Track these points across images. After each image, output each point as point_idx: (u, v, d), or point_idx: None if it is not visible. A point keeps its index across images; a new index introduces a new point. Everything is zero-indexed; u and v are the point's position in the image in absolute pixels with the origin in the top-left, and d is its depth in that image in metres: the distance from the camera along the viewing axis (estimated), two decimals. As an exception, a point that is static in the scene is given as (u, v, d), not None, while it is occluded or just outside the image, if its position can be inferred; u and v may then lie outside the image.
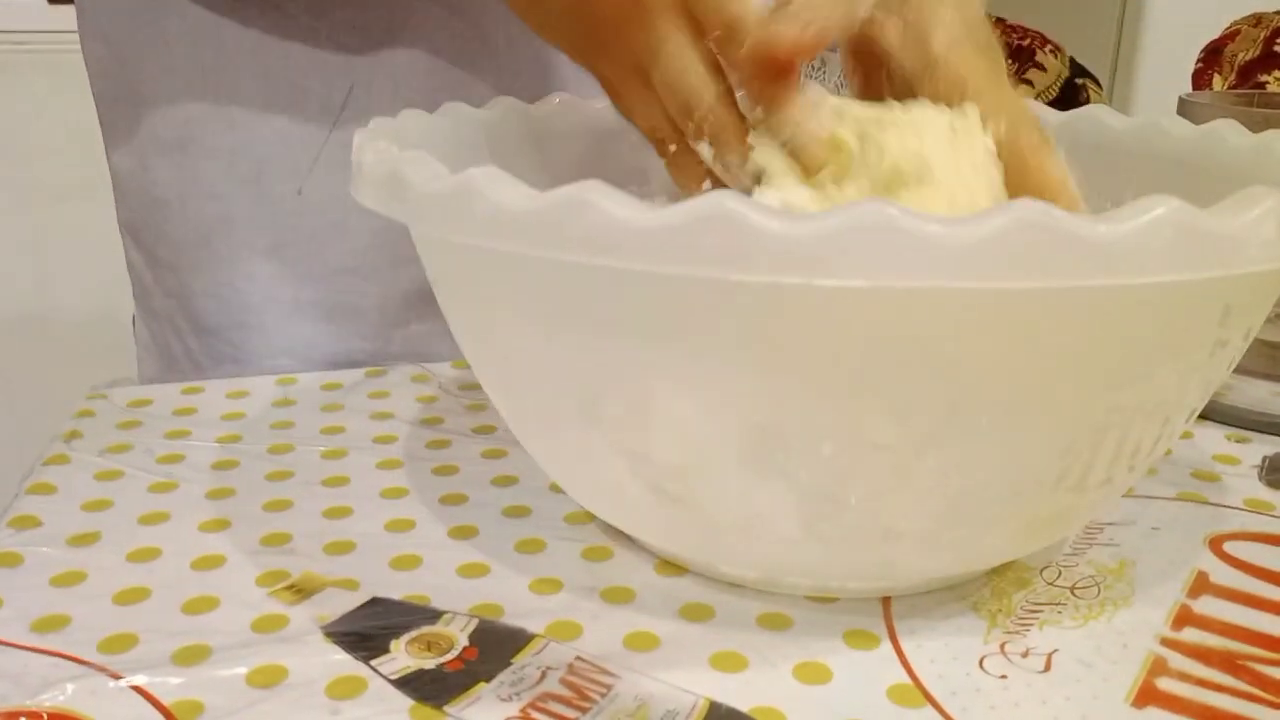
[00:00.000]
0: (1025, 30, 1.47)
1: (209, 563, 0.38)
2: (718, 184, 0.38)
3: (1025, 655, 0.33)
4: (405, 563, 0.38)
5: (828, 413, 0.30)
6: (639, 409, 0.31)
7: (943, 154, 0.34)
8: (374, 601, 0.36)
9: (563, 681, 0.32)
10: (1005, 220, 0.25)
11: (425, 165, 0.30)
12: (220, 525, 0.40)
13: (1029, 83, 1.44)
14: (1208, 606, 0.36)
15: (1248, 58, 1.38)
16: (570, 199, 0.27)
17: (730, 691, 0.32)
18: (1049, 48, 1.47)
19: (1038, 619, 0.35)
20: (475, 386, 0.52)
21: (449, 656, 0.33)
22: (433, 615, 0.35)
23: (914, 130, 0.35)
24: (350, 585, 0.37)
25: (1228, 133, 0.41)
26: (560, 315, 0.31)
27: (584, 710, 0.31)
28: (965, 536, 0.33)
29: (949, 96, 0.36)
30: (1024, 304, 0.28)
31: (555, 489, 0.42)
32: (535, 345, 0.32)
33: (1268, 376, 0.50)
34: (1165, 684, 0.32)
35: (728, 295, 0.27)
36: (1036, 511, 0.33)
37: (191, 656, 0.33)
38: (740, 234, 0.25)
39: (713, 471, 0.32)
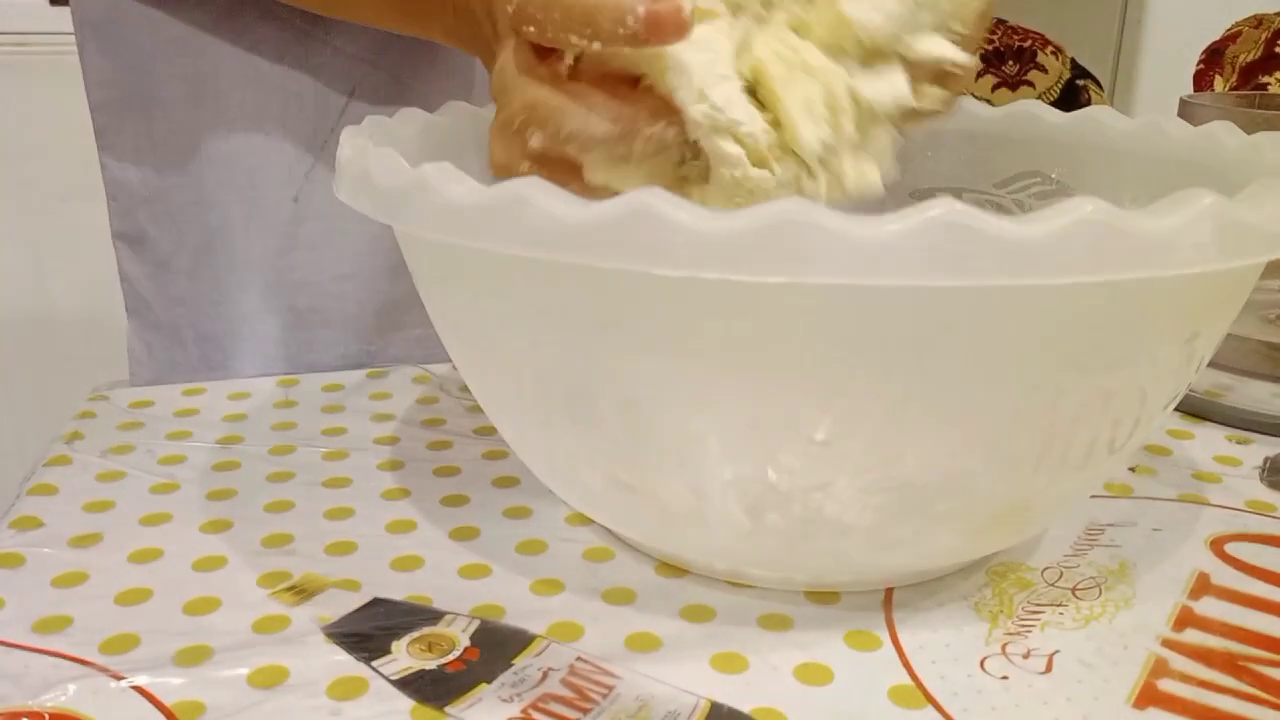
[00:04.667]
0: (1026, 31, 1.47)
1: (210, 563, 0.38)
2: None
3: (1026, 656, 0.33)
4: (406, 563, 0.38)
5: (764, 407, 0.30)
6: (585, 400, 0.32)
7: None
8: (375, 602, 0.36)
9: (564, 682, 0.32)
10: (922, 220, 0.26)
11: (390, 161, 0.32)
12: (221, 526, 0.40)
13: (1030, 84, 1.44)
14: (1209, 608, 0.36)
15: (1249, 59, 1.38)
16: (512, 195, 0.28)
17: (731, 692, 0.32)
18: (1050, 49, 1.46)
19: (1039, 620, 0.35)
20: (476, 387, 0.52)
21: (450, 657, 0.33)
22: (434, 616, 0.35)
23: None
24: (351, 586, 0.37)
25: (1223, 134, 0.41)
26: (512, 307, 0.32)
27: (585, 711, 0.31)
28: (913, 532, 0.33)
29: None
30: (938, 302, 0.28)
31: (556, 490, 0.43)
32: (491, 335, 0.34)
33: (1268, 377, 0.50)
34: (1166, 685, 0.32)
35: (658, 289, 0.28)
36: (987, 508, 0.33)
37: (193, 657, 0.33)
38: (662, 230, 0.26)
39: (658, 461, 0.32)
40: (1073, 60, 1.49)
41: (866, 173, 0.33)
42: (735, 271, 0.26)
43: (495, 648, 0.33)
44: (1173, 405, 0.35)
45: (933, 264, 0.26)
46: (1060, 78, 1.47)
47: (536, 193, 0.28)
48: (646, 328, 0.30)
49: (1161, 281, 0.28)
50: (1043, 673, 0.33)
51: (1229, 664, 0.33)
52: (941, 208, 0.26)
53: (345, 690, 0.31)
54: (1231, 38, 1.41)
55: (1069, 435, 0.32)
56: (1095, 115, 0.45)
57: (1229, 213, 0.27)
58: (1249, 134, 0.40)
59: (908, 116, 0.34)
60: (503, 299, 0.32)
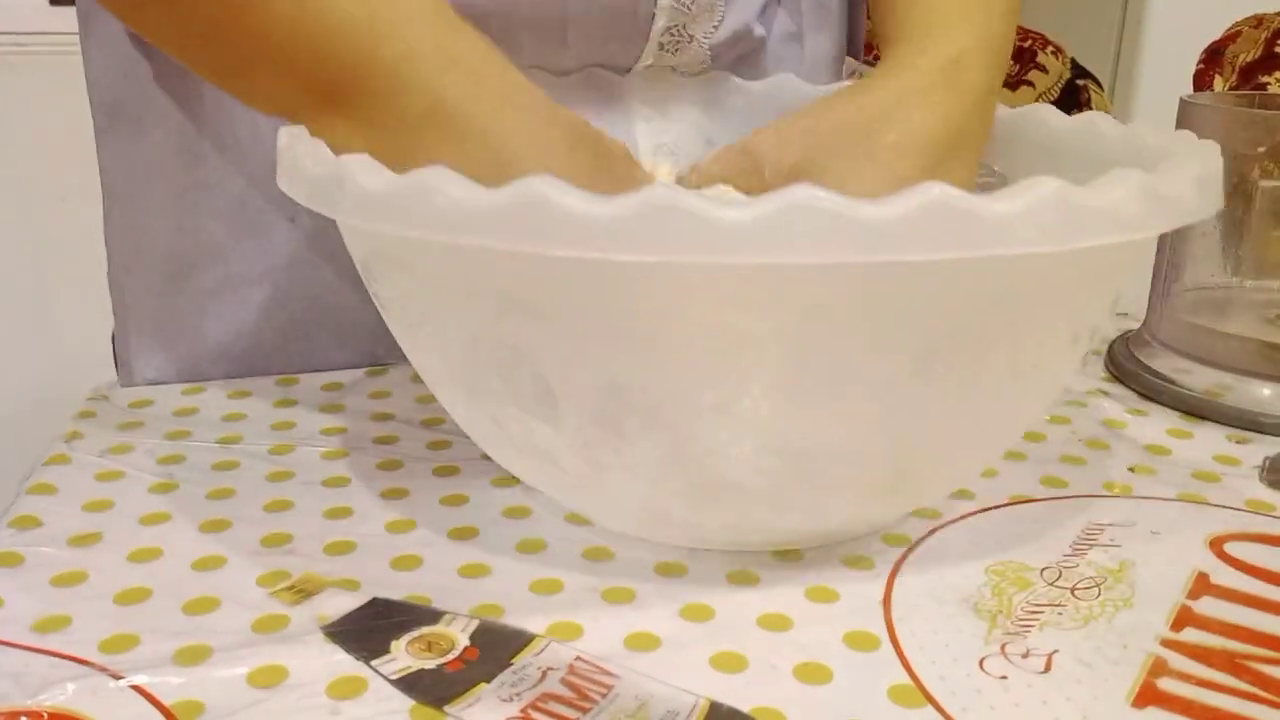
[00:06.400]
0: (1026, 31, 1.47)
1: (210, 563, 0.38)
2: None
3: (1025, 656, 0.33)
4: (406, 563, 0.38)
5: (662, 378, 0.32)
6: (501, 370, 0.34)
7: None
8: (374, 602, 0.36)
9: (563, 682, 0.32)
10: (780, 202, 0.27)
11: (315, 149, 0.34)
12: (221, 526, 0.40)
13: (1030, 84, 1.44)
14: (1208, 607, 0.36)
15: (1249, 59, 1.38)
16: (418, 183, 0.30)
17: (731, 692, 0.32)
18: (1050, 49, 1.46)
19: (1038, 620, 0.35)
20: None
21: (449, 657, 0.33)
22: (433, 615, 0.35)
23: None
24: (351, 585, 0.37)
25: (1102, 123, 0.43)
26: (428, 288, 0.34)
27: (584, 711, 0.31)
28: (805, 497, 0.36)
29: None
30: (803, 280, 0.30)
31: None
32: (414, 316, 0.36)
33: (1268, 377, 0.50)
34: (1166, 684, 0.32)
35: (556, 267, 0.30)
36: (874, 477, 0.35)
37: (192, 656, 0.33)
38: (552, 214, 0.28)
39: (567, 431, 0.34)
40: (1073, 60, 1.49)
41: None
42: (615, 252, 0.28)
43: (494, 647, 0.33)
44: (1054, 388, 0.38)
45: (793, 243, 0.28)
46: (1060, 78, 1.47)
47: (443, 181, 0.29)
48: (549, 304, 0.32)
49: (1001, 260, 0.30)
50: (1042, 672, 0.33)
51: (1228, 663, 0.33)
52: (802, 192, 0.27)
53: (344, 690, 0.32)
54: (1231, 37, 1.41)
55: (940, 410, 0.34)
56: (1037, 112, 0.47)
57: (1068, 197, 0.29)
58: (1249, 134, 0.40)
59: None
60: (420, 279, 0.35)
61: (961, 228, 0.28)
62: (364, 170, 0.31)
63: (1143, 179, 0.30)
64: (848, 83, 0.52)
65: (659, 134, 0.54)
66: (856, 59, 0.63)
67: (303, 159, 0.35)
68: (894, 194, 0.28)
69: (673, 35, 0.53)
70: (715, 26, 0.54)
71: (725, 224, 0.27)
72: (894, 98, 0.44)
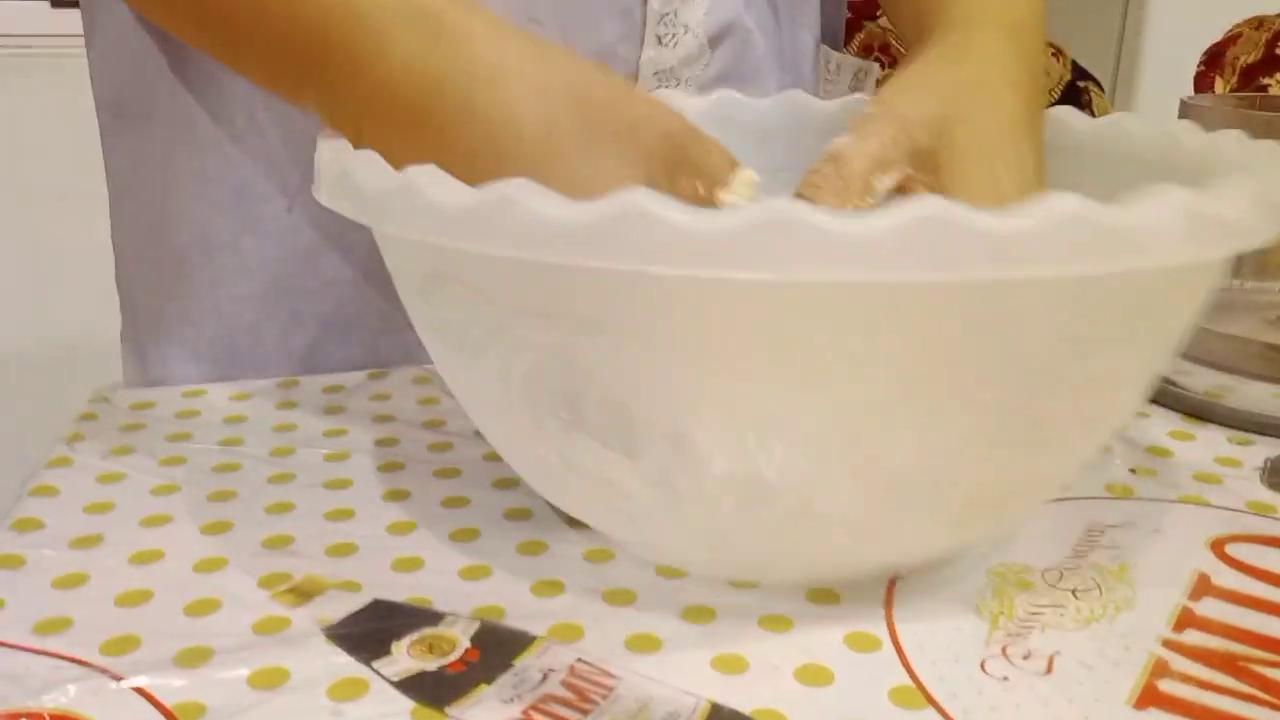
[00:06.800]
0: (1027, 33, 1.47)
1: (211, 565, 0.38)
2: None
3: (1027, 657, 0.33)
4: (407, 565, 0.38)
5: (750, 403, 0.30)
6: (573, 399, 0.32)
7: None
8: (376, 603, 0.36)
9: (564, 683, 0.32)
10: (906, 215, 0.26)
11: (372, 164, 0.32)
12: (222, 528, 0.40)
13: (1030, 86, 1.44)
14: (1209, 609, 0.36)
15: (1249, 61, 1.38)
16: (500, 196, 0.28)
17: (732, 693, 0.32)
18: (1050, 50, 1.47)
19: (1039, 621, 0.35)
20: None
21: (451, 658, 0.33)
22: (434, 617, 0.35)
23: None
24: (352, 587, 0.37)
25: (1183, 134, 0.42)
26: (499, 309, 0.32)
27: (585, 712, 0.31)
28: (894, 524, 0.34)
29: None
30: (923, 297, 0.28)
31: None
32: (477, 338, 0.33)
33: (1269, 379, 0.50)
34: (1167, 686, 0.32)
35: (646, 288, 0.28)
36: (968, 499, 0.34)
37: (193, 658, 0.33)
38: (655, 229, 0.26)
39: (641, 460, 0.32)
40: (1073, 62, 1.49)
41: None
42: (728, 269, 0.26)
43: (496, 649, 0.33)
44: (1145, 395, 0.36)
45: (917, 259, 0.26)
46: (1061, 80, 1.47)
47: (524, 194, 0.28)
48: (634, 328, 0.30)
49: (1135, 274, 0.29)
50: (1043, 674, 0.33)
51: (1229, 665, 0.33)
52: (927, 203, 0.26)
53: (346, 691, 0.32)
54: (1232, 39, 1.41)
55: (1046, 425, 0.32)
56: (1061, 115, 0.46)
57: (1199, 206, 0.28)
58: (1250, 135, 0.40)
59: None
60: (490, 301, 0.32)
61: (1096, 240, 0.27)
62: (433, 183, 0.29)
63: (1257, 187, 0.30)
64: (860, 97, 0.52)
65: None
66: (836, 49, 0.64)
67: (357, 171, 0.32)
68: (1025, 204, 0.26)
69: (667, 25, 0.53)
70: (705, 14, 0.55)
71: (849, 239, 0.26)
72: (984, 61, 0.43)
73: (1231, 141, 0.40)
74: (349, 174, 0.32)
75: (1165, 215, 0.28)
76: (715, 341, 0.29)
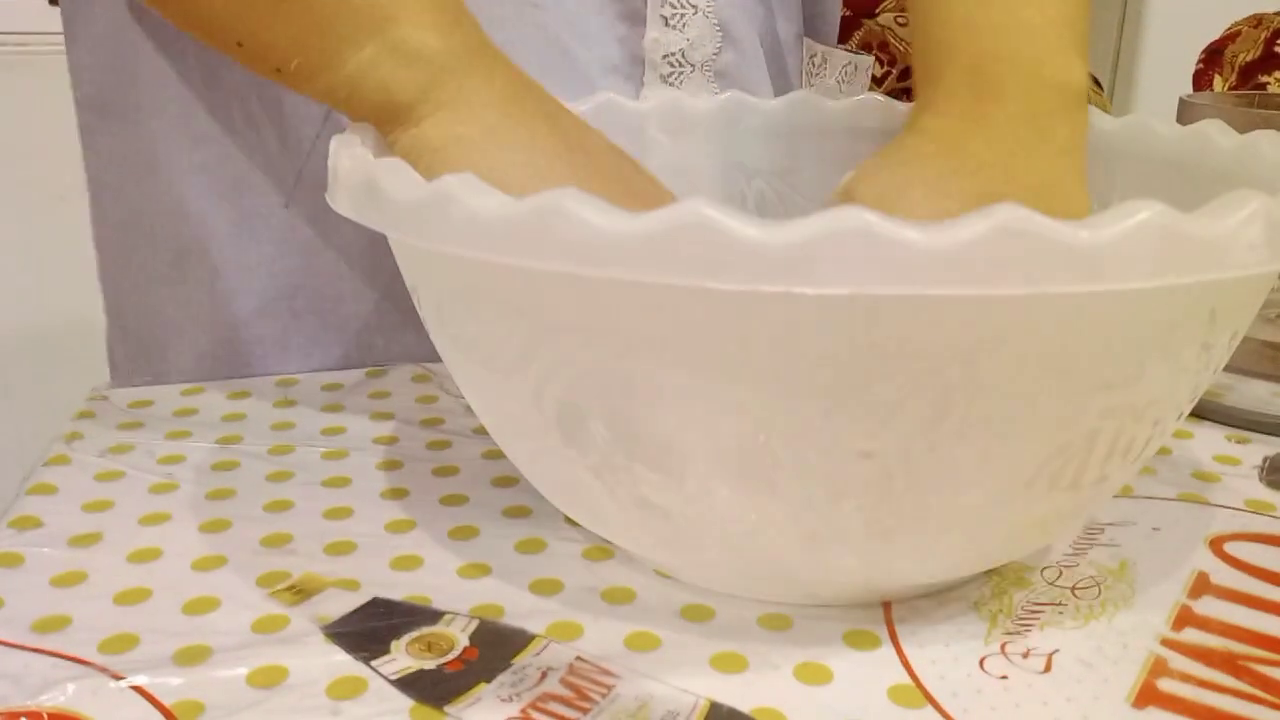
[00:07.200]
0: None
1: (210, 563, 0.38)
2: None
3: (1026, 656, 0.33)
4: (406, 563, 0.38)
5: (813, 421, 0.29)
6: (622, 421, 0.30)
7: None
8: (374, 602, 0.36)
9: (563, 682, 0.32)
10: (986, 226, 0.25)
11: (400, 172, 0.30)
12: (221, 526, 0.40)
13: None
14: (1208, 607, 0.36)
15: (1248, 59, 1.38)
16: (547, 206, 0.26)
17: (731, 692, 0.32)
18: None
19: (1038, 619, 0.35)
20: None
21: (449, 657, 0.33)
22: (433, 616, 0.35)
23: None
24: (351, 586, 0.37)
25: (1215, 133, 0.41)
26: (540, 325, 0.30)
27: (584, 711, 0.31)
28: (958, 541, 0.33)
29: None
30: (1005, 310, 0.27)
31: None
32: (512, 355, 0.32)
33: (1268, 377, 0.50)
34: (1166, 684, 0.32)
35: (707, 304, 0.27)
36: (1027, 514, 0.33)
37: (192, 657, 0.33)
38: (718, 242, 0.25)
39: (698, 483, 0.31)
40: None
41: None
42: (800, 284, 0.25)
43: (494, 647, 0.33)
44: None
45: (1000, 272, 0.25)
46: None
47: (573, 203, 0.26)
48: (687, 346, 0.28)
49: (1212, 284, 0.28)
50: (1042, 672, 0.33)
51: (1229, 663, 0.33)
52: (1004, 213, 0.25)
53: (344, 690, 0.31)
54: (1231, 37, 1.42)
55: (1126, 437, 0.31)
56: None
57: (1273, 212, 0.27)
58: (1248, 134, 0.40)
59: None
60: (529, 317, 0.30)
61: (1175, 250, 0.26)
62: (473, 192, 0.28)
63: None
64: (871, 97, 0.51)
65: (675, 159, 0.53)
66: (820, 42, 0.64)
67: (384, 179, 0.30)
68: (1105, 217, 0.25)
69: (673, 4, 0.53)
70: None
71: (930, 250, 0.24)
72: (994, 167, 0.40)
73: (1266, 142, 0.39)
74: (374, 182, 0.31)
75: (1249, 225, 0.27)
76: (780, 362, 0.28)
